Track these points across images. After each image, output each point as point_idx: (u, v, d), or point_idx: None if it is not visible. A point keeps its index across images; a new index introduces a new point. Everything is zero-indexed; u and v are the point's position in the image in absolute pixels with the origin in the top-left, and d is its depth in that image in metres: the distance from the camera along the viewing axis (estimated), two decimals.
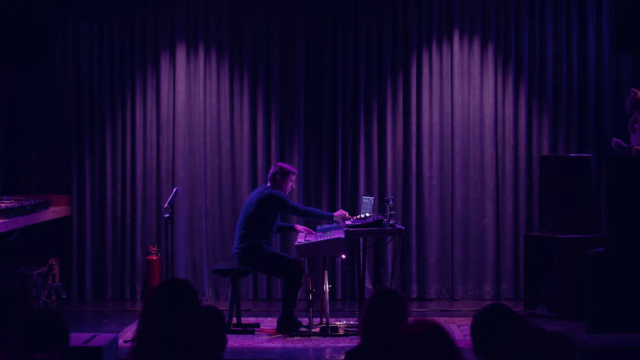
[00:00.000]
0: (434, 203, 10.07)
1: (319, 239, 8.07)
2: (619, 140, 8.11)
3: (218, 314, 3.72)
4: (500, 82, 10.09)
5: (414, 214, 10.07)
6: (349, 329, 8.17)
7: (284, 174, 8.36)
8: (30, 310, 4.11)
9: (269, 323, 8.53)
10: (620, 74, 10.01)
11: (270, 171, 8.45)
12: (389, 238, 8.88)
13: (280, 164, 8.53)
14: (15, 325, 4.11)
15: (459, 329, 8.43)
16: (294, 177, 8.47)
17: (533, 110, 10.08)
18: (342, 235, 7.99)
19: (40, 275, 9.26)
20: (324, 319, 8.15)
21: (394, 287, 8.95)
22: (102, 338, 6.28)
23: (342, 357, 4.37)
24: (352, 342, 7.62)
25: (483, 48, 10.08)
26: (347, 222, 8.22)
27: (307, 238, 8.26)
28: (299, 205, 8.55)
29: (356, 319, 8.28)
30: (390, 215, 8.06)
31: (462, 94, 10.08)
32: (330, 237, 8.02)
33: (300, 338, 7.97)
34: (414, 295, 10.03)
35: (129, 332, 8.17)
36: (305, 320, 8.16)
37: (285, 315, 8.15)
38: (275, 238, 9.49)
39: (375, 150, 10.12)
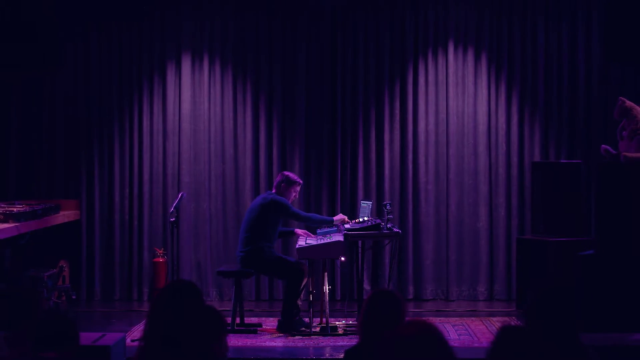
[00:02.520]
0: (429, 207, 10.08)
1: (319, 242, 8.06)
2: (608, 147, 8.12)
3: (217, 315, 3.72)
4: (493, 91, 10.10)
5: (410, 217, 10.07)
6: (348, 329, 8.16)
7: (289, 183, 8.36)
8: (42, 311, 4.11)
9: (271, 323, 8.53)
10: (609, 83, 10.02)
11: (276, 179, 8.45)
12: (387, 241, 8.88)
13: (286, 173, 8.51)
14: (27, 325, 4.12)
15: (454, 328, 8.42)
16: (298, 188, 8.46)
17: (525, 118, 10.09)
18: (342, 239, 7.98)
19: (50, 277, 9.26)
20: (324, 319, 8.14)
21: (391, 288, 8.98)
22: (110, 337, 6.27)
23: (342, 355, 4.37)
24: (351, 341, 7.62)
25: (477, 58, 10.09)
26: (346, 226, 8.22)
27: (308, 241, 8.25)
28: (300, 211, 8.54)
29: (355, 318, 8.27)
30: (388, 219, 8.05)
31: (457, 103, 10.08)
32: (330, 240, 8.02)
33: (301, 337, 7.96)
34: (411, 296, 10.02)
35: (136, 331, 8.16)
36: (305, 320, 8.16)
37: (287, 315, 8.14)
38: (278, 242, 9.48)
39: (373, 156, 10.13)
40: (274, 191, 8.38)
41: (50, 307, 8.96)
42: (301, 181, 8.59)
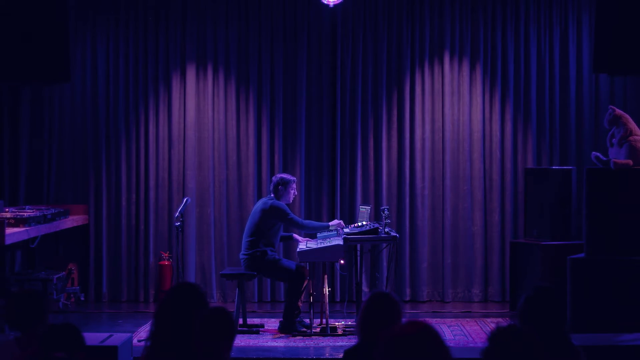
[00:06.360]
0: (426, 212, 10.09)
1: (319, 246, 8.08)
2: (598, 154, 8.14)
3: (227, 315, 3.73)
4: (487, 100, 10.12)
5: (407, 222, 10.08)
6: (347, 329, 8.18)
7: (285, 183, 8.37)
8: (50, 311, 4.13)
9: (273, 324, 8.54)
10: (599, 92, 10.05)
11: (272, 183, 8.46)
12: (384, 245, 8.89)
13: (279, 175, 8.53)
14: (37, 327, 4.14)
15: (449, 329, 8.44)
16: (294, 185, 8.48)
17: (518, 126, 10.11)
18: (341, 242, 7.99)
19: (60, 280, 9.28)
20: (324, 320, 8.14)
21: (388, 290, 8.97)
22: (117, 338, 6.29)
23: (341, 355, 4.38)
24: (350, 341, 7.64)
25: (472, 69, 10.11)
26: (346, 230, 8.23)
27: (309, 244, 8.27)
28: (298, 218, 8.52)
29: (354, 319, 8.28)
30: (386, 224, 8.07)
31: (452, 111, 10.10)
32: (329, 244, 8.03)
33: (302, 338, 7.97)
34: (408, 298, 10.04)
35: (142, 332, 8.17)
36: (306, 321, 8.17)
37: (288, 316, 8.15)
38: (279, 245, 9.49)
39: (371, 162, 10.15)
40: (272, 195, 8.39)
41: (59, 309, 8.97)
42: (295, 177, 8.59)
